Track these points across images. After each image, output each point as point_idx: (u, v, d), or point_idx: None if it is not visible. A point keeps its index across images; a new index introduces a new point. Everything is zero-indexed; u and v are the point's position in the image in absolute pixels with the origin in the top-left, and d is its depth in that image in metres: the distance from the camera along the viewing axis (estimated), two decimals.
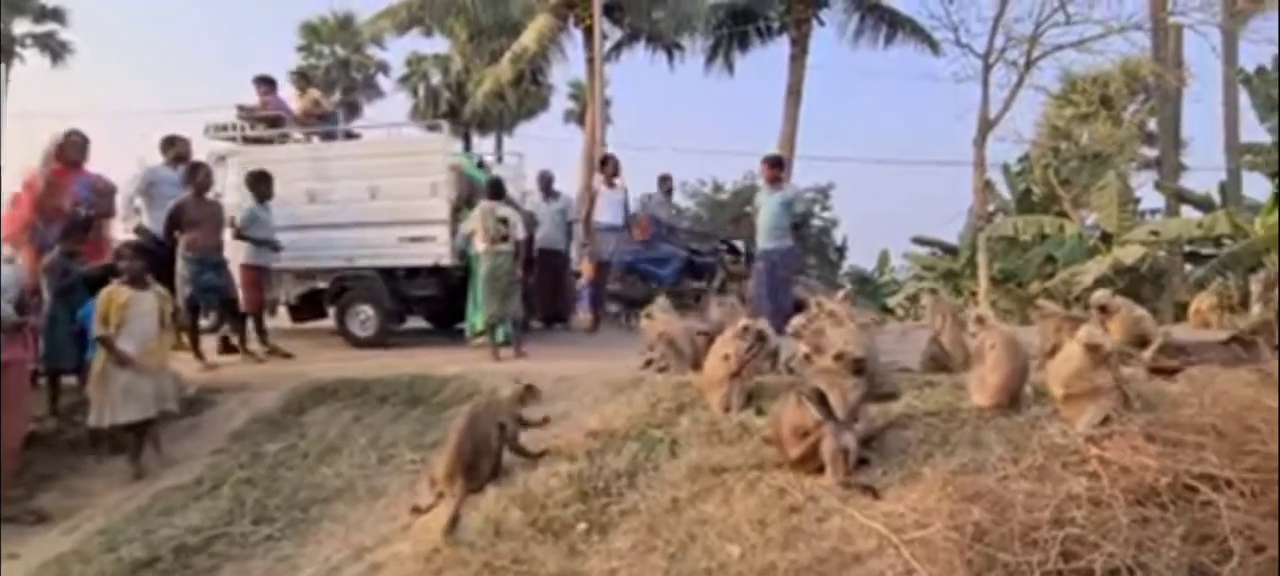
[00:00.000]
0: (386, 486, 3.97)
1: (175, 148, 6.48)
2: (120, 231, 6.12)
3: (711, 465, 3.40)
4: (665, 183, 9.35)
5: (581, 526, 3.11)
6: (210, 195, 6.22)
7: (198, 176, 6.03)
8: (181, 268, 5.78)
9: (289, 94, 7.72)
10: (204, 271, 5.79)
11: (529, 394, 3.88)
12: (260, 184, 6.30)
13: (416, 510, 3.53)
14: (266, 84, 7.51)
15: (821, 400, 3.16)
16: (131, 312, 4.36)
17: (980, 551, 2.43)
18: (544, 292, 7.85)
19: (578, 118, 22.89)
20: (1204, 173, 15.51)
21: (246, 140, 7.11)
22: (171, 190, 6.19)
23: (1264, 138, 11.44)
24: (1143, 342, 4.58)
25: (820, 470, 3.16)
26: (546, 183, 8.03)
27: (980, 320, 3.83)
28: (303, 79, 7.98)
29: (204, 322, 6.19)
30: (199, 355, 5.85)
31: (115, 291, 4.38)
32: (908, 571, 2.50)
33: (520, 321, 6.29)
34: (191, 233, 5.78)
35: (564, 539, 3.05)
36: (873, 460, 3.30)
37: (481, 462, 3.54)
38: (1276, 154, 10.31)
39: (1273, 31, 10.14)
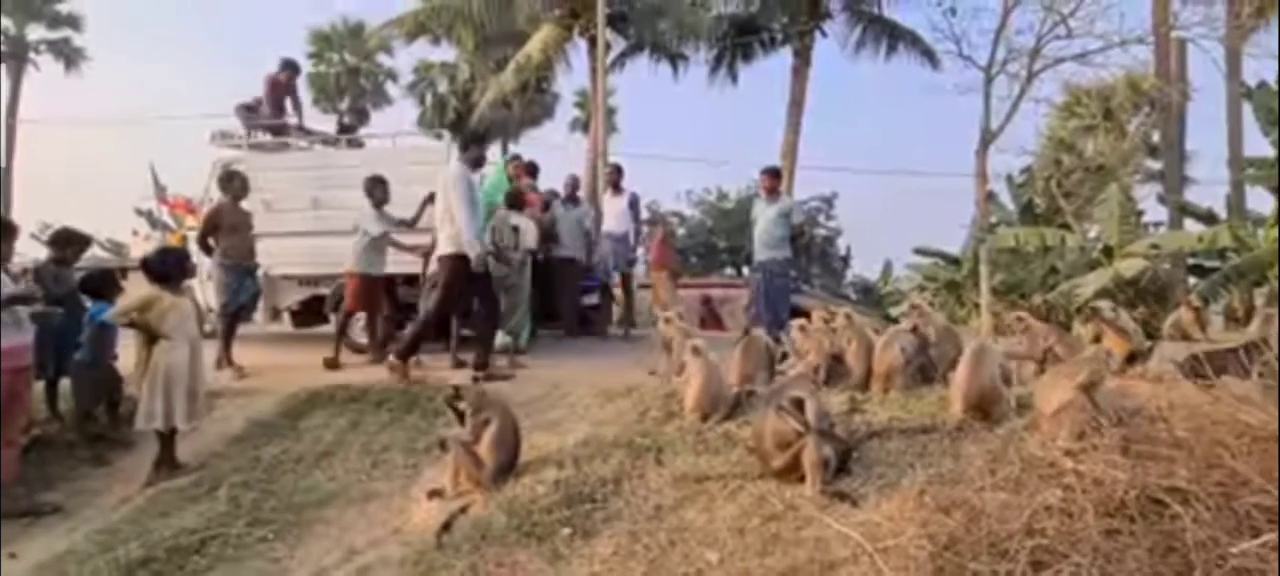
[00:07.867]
0: (379, 490, 4.05)
1: (233, 184, 6.11)
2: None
3: (695, 474, 3.47)
4: None
5: (565, 531, 3.17)
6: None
7: (233, 183, 6.06)
8: (221, 276, 5.80)
9: None
10: (243, 278, 5.84)
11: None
12: (376, 188, 6.10)
13: (435, 494, 3.75)
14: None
15: (801, 409, 3.21)
16: (177, 317, 4.38)
17: (951, 559, 2.46)
18: (567, 301, 7.75)
19: (583, 126, 23.02)
20: (1212, 187, 15.45)
21: (252, 148, 7.24)
22: (475, 193, 5.79)
23: (1268, 152, 11.40)
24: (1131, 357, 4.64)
25: (802, 479, 3.21)
26: (572, 188, 7.92)
27: (947, 331, 3.87)
28: None
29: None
30: (231, 363, 5.83)
31: (156, 296, 4.35)
32: None
33: (519, 332, 6.33)
34: (228, 239, 5.83)
35: (548, 543, 3.11)
36: (854, 470, 3.35)
37: (516, 453, 3.84)
38: (1278, 168, 10.27)
39: (1273, 45, 10.14)
